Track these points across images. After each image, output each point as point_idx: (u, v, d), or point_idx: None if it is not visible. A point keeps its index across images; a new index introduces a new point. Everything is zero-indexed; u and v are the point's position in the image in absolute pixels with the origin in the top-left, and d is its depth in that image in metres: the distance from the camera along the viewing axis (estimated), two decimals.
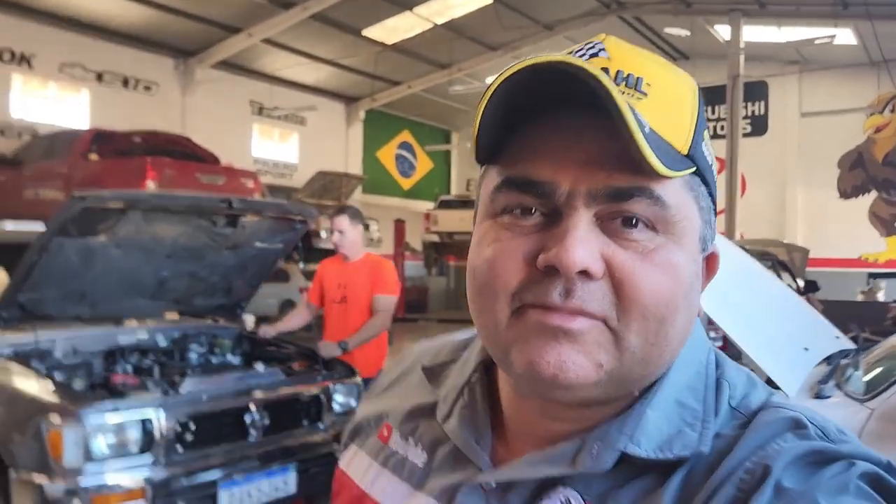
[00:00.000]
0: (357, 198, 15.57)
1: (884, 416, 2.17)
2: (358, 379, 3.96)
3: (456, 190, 21.42)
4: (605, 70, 0.54)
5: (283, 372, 3.81)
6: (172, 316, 4.36)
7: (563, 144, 0.53)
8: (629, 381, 0.55)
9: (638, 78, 0.55)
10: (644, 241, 0.53)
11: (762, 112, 17.77)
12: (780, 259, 9.34)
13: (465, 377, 0.67)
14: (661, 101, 0.54)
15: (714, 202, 0.59)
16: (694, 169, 0.55)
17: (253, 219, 3.93)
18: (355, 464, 0.73)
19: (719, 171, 16.05)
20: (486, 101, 0.53)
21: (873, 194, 16.63)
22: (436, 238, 16.70)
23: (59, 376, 3.42)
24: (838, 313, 3.60)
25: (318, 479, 3.69)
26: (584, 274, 0.52)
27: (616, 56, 0.56)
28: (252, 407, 3.43)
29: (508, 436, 0.63)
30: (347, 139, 18.44)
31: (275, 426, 3.52)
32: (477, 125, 0.54)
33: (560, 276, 0.52)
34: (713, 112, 18.19)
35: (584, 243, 0.51)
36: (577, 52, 0.57)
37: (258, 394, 3.50)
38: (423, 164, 21.24)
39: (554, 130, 0.54)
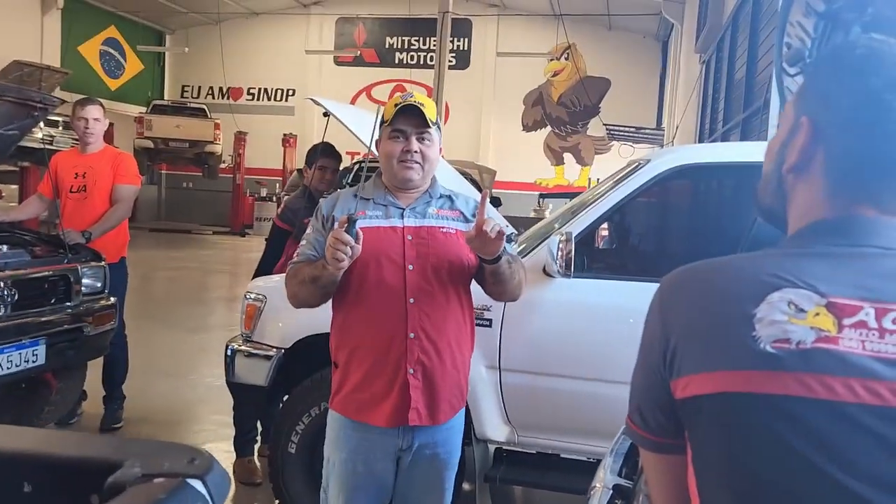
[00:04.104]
0: (57, 94, 14.28)
1: None
2: (104, 263, 4.25)
3: (170, 94, 20.40)
4: (421, 104, 2.14)
5: (28, 254, 4.00)
6: None
7: (409, 120, 2.13)
8: (425, 180, 2.21)
9: (422, 103, 2.14)
10: (429, 143, 2.17)
11: (466, 48, 19.58)
12: (473, 178, 10.89)
13: (381, 188, 2.23)
14: (429, 109, 2.14)
15: (440, 136, 2.24)
16: (437, 126, 2.19)
17: None
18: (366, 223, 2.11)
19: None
20: (394, 110, 2.13)
21: (548, 129, 19.57)
22: (149, 144, 15.97)
23: None
24: (515, 225, 4.73)
25: (66, 353, 4.00)
26: (417, 152, 2.14)
27: (419, 97, 2.17)
28: (1, 283, 3.64)
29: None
30: (43, 28, 16.60)
31: (24, 303, 3.76)
32: (391, 116, 2.13)
33: (411, 152, 2.14)
34: (425, 43, 19.59)
35: (414, 144, 2.14)
36: (406, 95, 2.18)
37: (7, 272, 3.70)
38: (133, 65, 19.86)
39: (406, 116, 2.13)
